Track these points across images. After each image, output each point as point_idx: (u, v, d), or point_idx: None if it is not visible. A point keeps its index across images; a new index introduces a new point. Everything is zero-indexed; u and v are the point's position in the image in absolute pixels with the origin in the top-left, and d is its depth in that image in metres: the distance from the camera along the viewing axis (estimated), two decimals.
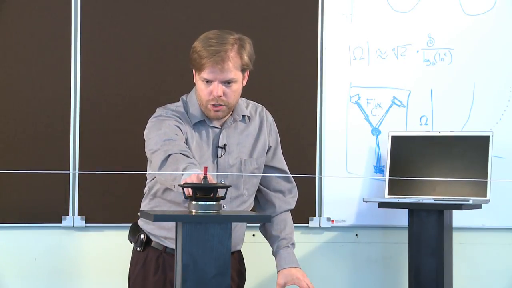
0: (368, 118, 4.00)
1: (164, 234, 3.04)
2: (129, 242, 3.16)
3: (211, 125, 3.03)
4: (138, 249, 3.09)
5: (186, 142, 2.95)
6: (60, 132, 3.82)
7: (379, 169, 3.99)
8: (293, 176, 3.20)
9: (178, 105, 3.06)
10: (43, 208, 3.81)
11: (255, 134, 3.10)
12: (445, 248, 3.68)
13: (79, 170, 3.80)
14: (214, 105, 2.96)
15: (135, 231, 3.12)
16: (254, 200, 3.15)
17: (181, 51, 3.84)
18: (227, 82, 2.93)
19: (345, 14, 3.99)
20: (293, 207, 3.20)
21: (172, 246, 3.01)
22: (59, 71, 3.82)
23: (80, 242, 3.87)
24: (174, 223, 2.54)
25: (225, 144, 3.02)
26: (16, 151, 3.79)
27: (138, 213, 3.08)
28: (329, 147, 3.98)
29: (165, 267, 3.04)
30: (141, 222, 3.12)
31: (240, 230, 3.08)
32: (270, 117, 3.18)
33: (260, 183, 3.15)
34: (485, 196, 3.70)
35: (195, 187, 2.50)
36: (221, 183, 3.00)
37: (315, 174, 3.91)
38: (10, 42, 3.81)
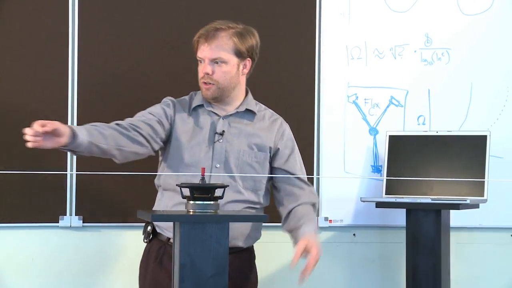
0: (366, 117, 4.01)
1: (167, 223, 3.05)
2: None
3: (211, 110, 3.10)
4: (145, 240, 3.13)
5: (173, 124, 3.07)
6: None
7: (376, 169, 3.99)
8: (290, 177, 3.20)
9: (184, 96, 3.20)
10: (41, 208, 3.81)
11: (260, 132, 3.12)
12: (443, 247, 3.68)
13: (76, 171, 3.79)
14: (205, 83, 3.07)
15: (145, 225, 3.16)
16: (275, 196, 3.15)
17: (180, 51, 3.84)
18: (216, 62, 3.04)
19: (343, 14, 3.99)
20: (315, 202, 3.18)
21: None
22: (57, 71, 3.82)
23: (78, 242, 3.87)
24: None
25: (223, 131, 3.05)
26: (13, 151, 3.78)
27: (152, 209, 3.11)
28: (327, 147, 3.98)
29: (164, 258, 3.05)
30: None
31: (237, 224, 3.06)
32: (286, 126, 3.21)
33: (275, 185, 3.17)
34: (483, 196, 3.70)
35: (193, 187, 2.50)
36: (216, 167, 3.03)
37: (313, 174, 3.90)
38: (9, 42, 3.81)
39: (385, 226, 4.03)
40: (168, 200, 3.06)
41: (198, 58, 3.08)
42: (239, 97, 3.13)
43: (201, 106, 3.12)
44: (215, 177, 3.00)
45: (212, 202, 2.49)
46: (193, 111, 3.11)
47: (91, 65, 3.84)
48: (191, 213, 2.48)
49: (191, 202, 2.49)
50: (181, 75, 3.78)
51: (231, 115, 3.10)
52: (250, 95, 3.16)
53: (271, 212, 3.07)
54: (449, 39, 4.02)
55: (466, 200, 3.64)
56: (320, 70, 3.98)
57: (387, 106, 4.01)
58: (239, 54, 3.05)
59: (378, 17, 4.01)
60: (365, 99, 4.01)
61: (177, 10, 3.90)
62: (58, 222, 3.83)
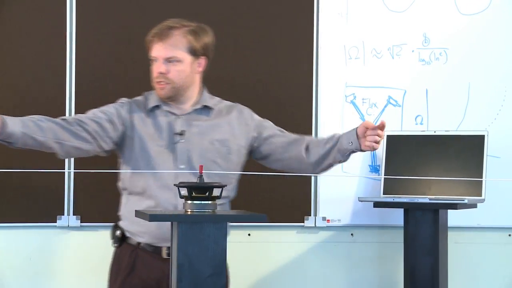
0: (364, 117, 4.00)
1: (136, 229, 3.04)
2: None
3: (168, 110, 3.06)
4: (114, 245, 3.12)
5: (129, 125, 3.02)
6: None
7: (374, 169, 3.99)
8: (288, 175, 3.19)
9: (137, 97, 3.16)
10: (38, 208, 3.81)
11: (220, 127, 3.09)
12: (440, 247, 3.69)
13: (74, 169, 3.79)
14: (158, 82, 3.04)
15: (113, 228, 3.15)
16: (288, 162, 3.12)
17: None
18: (170, 61, 3.00)
19: (341, 13, 3.99)
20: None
21: (145, 241, 3.03)
22: (54, 70, 3.82)
23: (75, 241, 3.87)
24: None
25: (183, 131, 3.03)
26: (11, 150, 3.77)
27: (118, 213, 3.10)
28: None
29: (136, 262, 3.04)
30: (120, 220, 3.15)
31: None
32: (244, 110, 3.17)
33: (271, 156, 3.13)
34: (480, 196, 3.70)
35: (190, 187, 2.50)
36: (180, 168, 3.00)
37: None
38: (8, 42, 3.81)
39: (383, 225, 4.03)
40: (135, 206, 2.99)
41: (151, 58, 3.04)
42: (194, 95, 3.09)
43: (157, 107, 3.07)
44: (182, 177, 2.92)
45: (209, 202, 2.49)
46: (150, 112, 3.07)
47: (89, 65, 3.84)
48: (189, 212, 2.48)
49: (189, 201, 2.49)
50: None
51: (189, 113, 3.07)
52: (205, 92, 3.13)
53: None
54: (446, 39, 4.02)
55: (464, 200, 3.64)
56: (318, 70, 3.98)
57: (385, 106, 4.01)
58: (194, 52, 3.02)
59: (376, 17, 4.01)
60: (363, 99, 4.01)
61: (176, 10, 3.90)
62: (56, 222, 3.83)
